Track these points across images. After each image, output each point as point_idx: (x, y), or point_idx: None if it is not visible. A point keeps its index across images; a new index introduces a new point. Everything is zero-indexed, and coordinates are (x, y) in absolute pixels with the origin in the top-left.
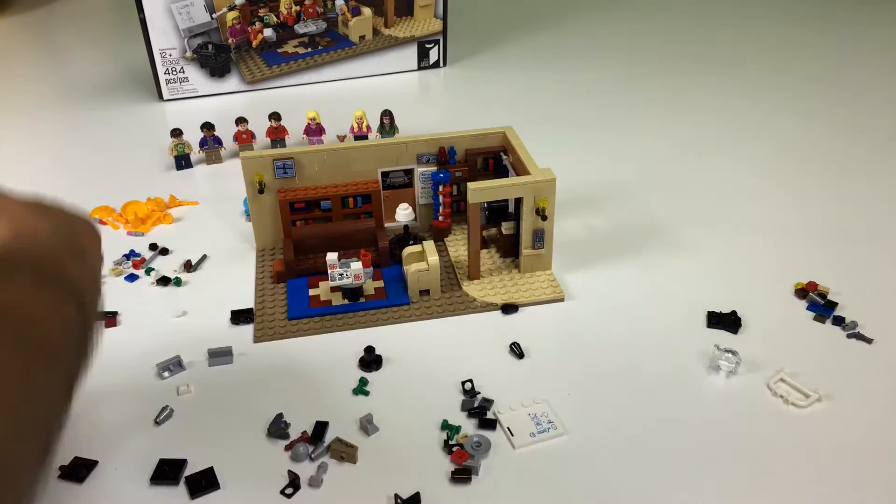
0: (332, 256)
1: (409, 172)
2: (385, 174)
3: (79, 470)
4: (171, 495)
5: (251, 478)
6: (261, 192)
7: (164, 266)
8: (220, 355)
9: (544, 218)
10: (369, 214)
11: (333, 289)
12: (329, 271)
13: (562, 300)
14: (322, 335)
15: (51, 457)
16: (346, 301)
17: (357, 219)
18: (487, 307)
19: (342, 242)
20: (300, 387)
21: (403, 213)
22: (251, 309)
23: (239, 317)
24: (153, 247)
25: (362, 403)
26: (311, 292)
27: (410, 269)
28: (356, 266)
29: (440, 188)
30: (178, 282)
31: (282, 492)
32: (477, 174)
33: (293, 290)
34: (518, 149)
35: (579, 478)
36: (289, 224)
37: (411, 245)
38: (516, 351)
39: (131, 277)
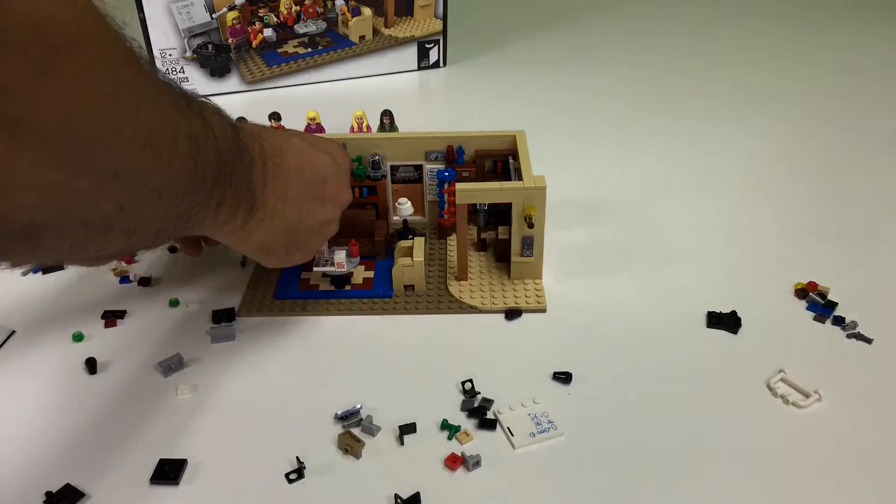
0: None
1: (419, 168)
2: (395, 168)
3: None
4: (170, 495)
5: (253, 468)
6: None
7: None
8: (222, 334)
9: (531, 225)
10: (375, 206)
11: (324, 274)
12: (316, 256)
13: (543, 311)
14: (308, 317)
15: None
16: (332, 287)
17: (363, 209)
18: (471, 310)
19: (343, 230)
20: (298, 381)
21: (402, 208)
22: (233, 308)
23: (220, 316)
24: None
25: (361, 401)
26: (304, 275)
27: (396, 263)
28: (340, 254)
29: (445, 186)
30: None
31: (287, 476)
32: (484, 175)
33: (288, 271)
34: (521, 153)
35: (579, 478)
36: None
37: (409, 239)
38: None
39: (125, 279)
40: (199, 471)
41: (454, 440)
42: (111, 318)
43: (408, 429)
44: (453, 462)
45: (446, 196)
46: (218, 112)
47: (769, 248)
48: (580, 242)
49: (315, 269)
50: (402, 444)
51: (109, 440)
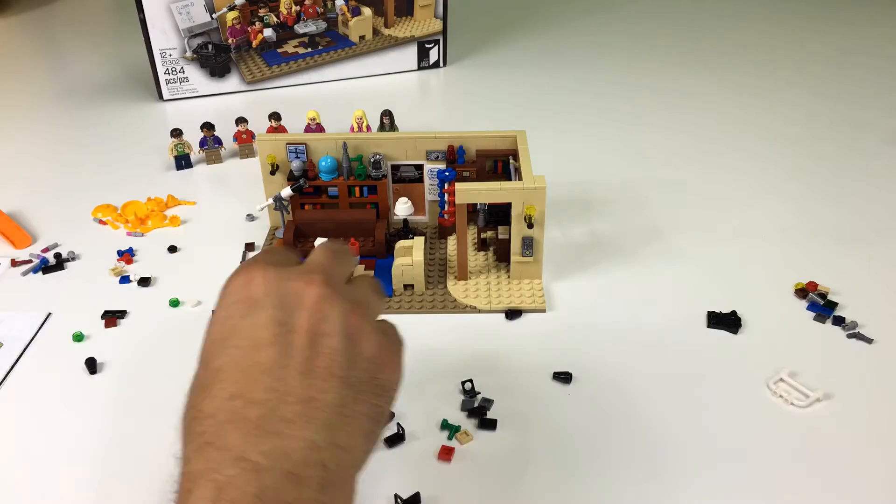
0: (321, 241)
1: (420, 168)
2: (395, 168)
3: None
4: None
5: None
6: (272, 173)
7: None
8: None
9: (530, 226)
10: (376, 205)
11: None
12: None
13: (543, 311)
14: None
15: None
16: None
17: (363, 208)
18: (470, 309)
19: (343, 230)
20: None
21: (403, 208)
22: None
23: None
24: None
25: None
26: None
27: (395, 262)
28: None
29: (445, 186)
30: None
31: None
32: (485, 175)
33: None
34: (521, 153)
35: (579, 476)
36: (296, 207)
37: (409, 239)
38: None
39: (125, 279)
40: None
41: (454, 440)
42: (111, 318)
43: (396, 439)
44: (446, 454)
45: (446, 196)
46: None
47: (769, 248)
48: (580, 242)
49: None
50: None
51: (109, 442)
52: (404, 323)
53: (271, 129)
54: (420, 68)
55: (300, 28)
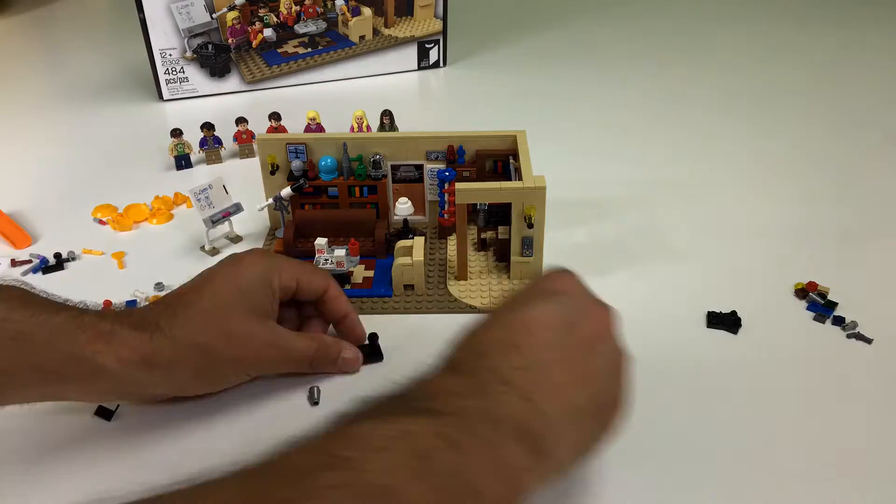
0: (321, 241)
1: (420, 168)
2: (395, 168)
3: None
4: None
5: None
6: (272, 173)
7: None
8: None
9: (530, 226)
10: (376, 205)
11: None
12: (316, 255)
13: None
14: None
15: None
16: None
17: (363, 208)
18: (470, 310)
19: (343, 229)
20: (296, 380)
21: (402, 208)
22: None
23: None
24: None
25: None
26: None
27: (395, 262)
28: (340, 252)
29: (445, 186)
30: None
31: None
32: (485, 175)
33: None
34: (521, 153)
35: (578, 476)
36: (296, 207)
37: (409, 239)
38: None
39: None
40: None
41: None
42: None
43: None
44: None
45: (446, 196)
46: None
47: (769, 248)
48: (580, 242)
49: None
50: None
51: (108, 442)
52: (404, 323)
53: (271, 129)
54: (420, 68)
55: (300, 28)
